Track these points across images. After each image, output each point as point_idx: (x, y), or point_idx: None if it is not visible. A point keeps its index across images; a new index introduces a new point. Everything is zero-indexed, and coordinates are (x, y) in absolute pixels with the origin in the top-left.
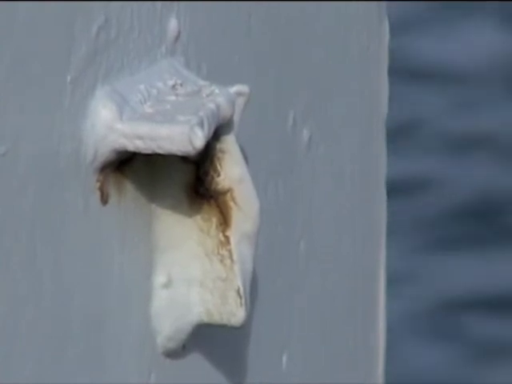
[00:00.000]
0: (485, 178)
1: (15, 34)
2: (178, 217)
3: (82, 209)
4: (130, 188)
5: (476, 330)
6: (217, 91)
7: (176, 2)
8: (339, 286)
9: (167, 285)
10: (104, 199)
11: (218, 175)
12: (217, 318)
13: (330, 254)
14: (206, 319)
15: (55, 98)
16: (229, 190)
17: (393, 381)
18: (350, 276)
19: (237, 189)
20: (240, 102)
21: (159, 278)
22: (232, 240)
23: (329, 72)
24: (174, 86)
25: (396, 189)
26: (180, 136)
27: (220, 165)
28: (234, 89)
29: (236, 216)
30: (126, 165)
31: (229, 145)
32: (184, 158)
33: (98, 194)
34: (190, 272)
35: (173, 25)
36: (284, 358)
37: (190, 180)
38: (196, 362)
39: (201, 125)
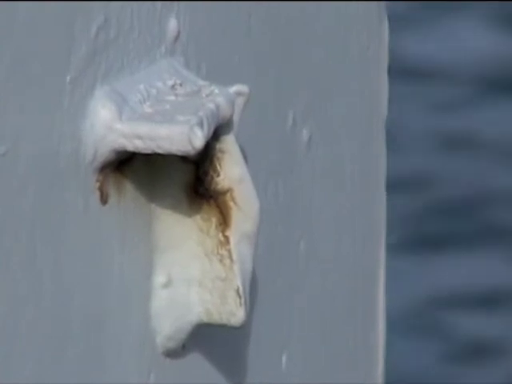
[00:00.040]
0: (471, 176)
1: (15, 34)
2: (178, 217)
3: (81, 209)
4: (129, 188)
5: (463, 328)
6: (216, 91)
7: (176, 2)
8: (339, 286)
9: (167, 285)
10: (104, 199)
11: (218, 175)
12: (216, 318)
13: (329, 253)
14: (205, 319)
15: (55, 97)
16: (228, 190)
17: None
18: (350, 276)
19: (236, 189)
20: (240, 101)
21: (159, 278)
22: (232, 240)
23: (329, 72)
24: (173, 86)
25: None
26: (179, 136)
27: (220, 165)
28: (233, 89)
29: (236, 216)
30: (126, 165)
31: (228, 145)
32: (183, 158)
33: (97, 193)
34: (190, 272)
35: (172, 25)
36: (284, 358)
37: (190, 180)
38: (196, 362)
39: (200, 125)
